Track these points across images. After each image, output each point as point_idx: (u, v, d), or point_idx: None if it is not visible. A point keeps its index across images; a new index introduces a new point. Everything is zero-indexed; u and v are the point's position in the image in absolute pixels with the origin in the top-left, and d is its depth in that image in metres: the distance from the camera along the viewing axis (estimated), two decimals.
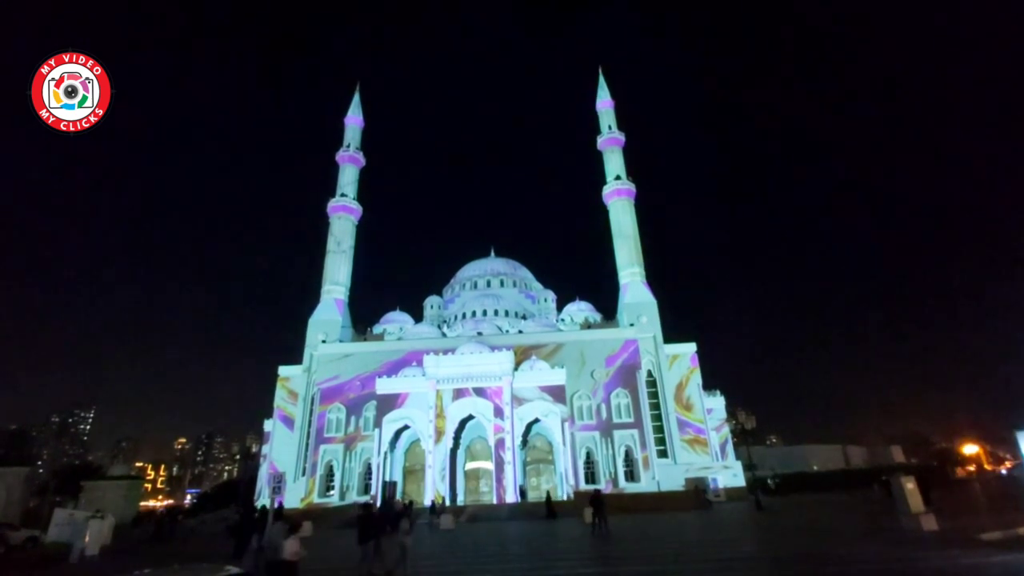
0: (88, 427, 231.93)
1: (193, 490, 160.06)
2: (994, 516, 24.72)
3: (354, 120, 78.88)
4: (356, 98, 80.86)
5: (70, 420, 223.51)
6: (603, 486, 48.63)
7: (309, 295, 68.63)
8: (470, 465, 52.46)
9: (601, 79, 79.92)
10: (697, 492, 46.55)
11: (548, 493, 42.78)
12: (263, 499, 54.70)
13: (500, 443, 47.39)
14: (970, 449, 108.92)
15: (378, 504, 42.46)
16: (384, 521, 15.88)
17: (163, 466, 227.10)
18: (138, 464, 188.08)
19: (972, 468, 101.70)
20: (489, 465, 49.16)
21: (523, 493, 47.26)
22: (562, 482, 48.26)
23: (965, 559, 14.19)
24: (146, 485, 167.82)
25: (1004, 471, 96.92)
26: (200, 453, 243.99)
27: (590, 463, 52.23)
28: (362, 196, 74.09)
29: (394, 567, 14.42)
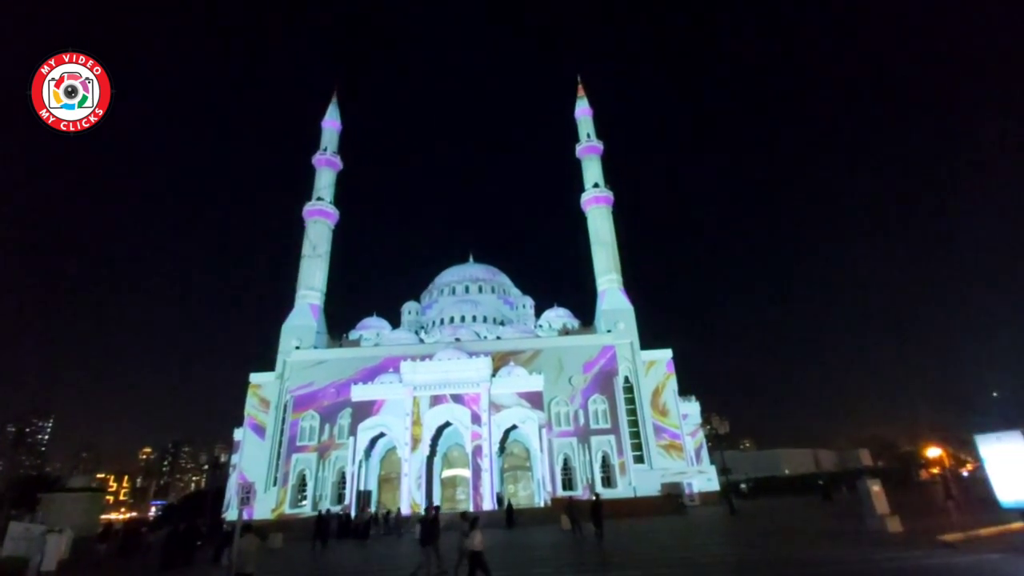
0: (46, 437, 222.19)
1: (158, 502, 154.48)
2: (956, 518, 25.56)
3: (331, 123, 77.96)
4: (334, 101, 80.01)
5: (27, 430, 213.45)
6: (580, 492, 48.75)
7: (283, 300, 67.28)
8: (447, 472, 51.96)
9: (580, 87, 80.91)
10: (671, 497, 47.02)
11: (509, 501, 42.29)
12: (232, 510, 53.18)
13: (477, 450, 47.09)
14: (933, 452, 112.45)
15: (352, 513, 41.94)
16: (436, 527, 16.98)
17: (126, 477, 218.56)
18: (99, 475, 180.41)
19: (936, 470, 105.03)
20: (466, 472, 48.76)
21: (500, 500, 47.08)
22: (539, 488, 48.18)
23: (927, 560, 14.61)
24: (108, 497, 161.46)
25: (965, 473, 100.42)
26: (166, 463, 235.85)
27: (567, 469, 52.25)
28: (339, 200, 73.09)
29: (455, 567, 15.39)
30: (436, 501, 48.85)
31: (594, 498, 25.09)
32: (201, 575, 23.36)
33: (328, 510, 38.78)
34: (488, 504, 44.72)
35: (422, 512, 43.97)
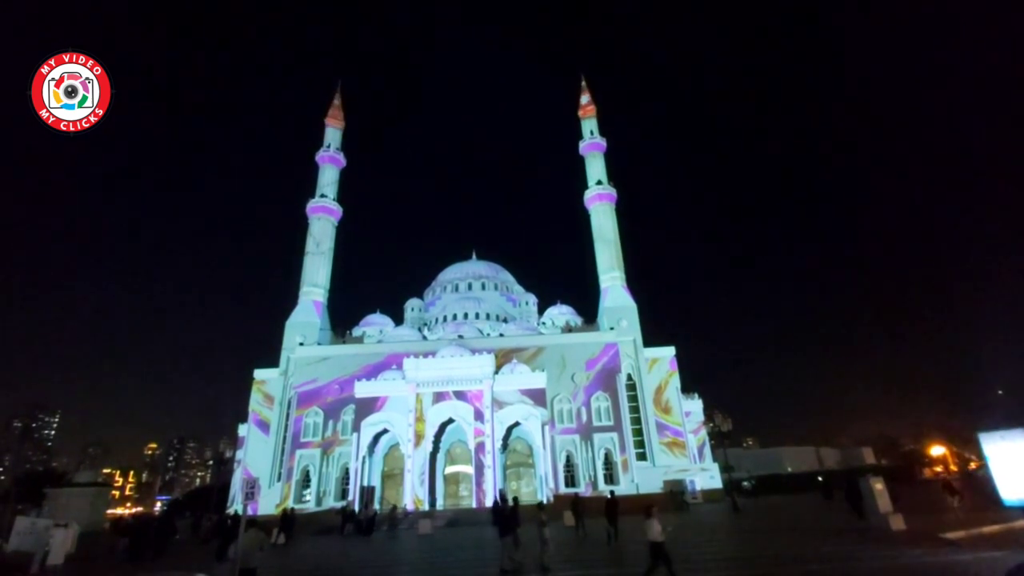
0: (53, 432, 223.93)
1: (164, 497, 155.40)
2: (958, 516, 25.51)
3: (334, 121, 78.01)
4: (337, 98, 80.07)
5: (34, 425, 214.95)
6: (583, 489, 48.81)
7: (286, 297, 67.69)
8: (449, 469, 52.12)
9: (583, 85, 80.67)
10: (674, 494, 46.99)
11: (496, 500, 42.03)
12: (237, 505, 53.48)
13: (480, 447, 47.21)
14: (937, 451, 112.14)
15: (356, 507, 42.17)
16: (516, 518, 17.23)
17: (132, 472, 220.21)
18: (106, 470, 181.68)
19: (939, 468, 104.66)
20: (469, 469, 48.88)
21: (502, 497, 47.11)
22: (542, 485, 48.27)
23: (929, 558, 14.62)
24: (114, 492, 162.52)
25: (969, 471, 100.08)
26: (171, 459, 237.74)
27: (570, 466, 52.34)
28: (342, 197, 73.30)
29: (539, 555, 16.20)
30: (438, 498, 48.99)
31: (609, 496, 24.80)
32: (203, 569, 23.53)
33: (293, 509, 39.10)
34: (491, 501, 44.78)
35: (425, 507, 44.36)
